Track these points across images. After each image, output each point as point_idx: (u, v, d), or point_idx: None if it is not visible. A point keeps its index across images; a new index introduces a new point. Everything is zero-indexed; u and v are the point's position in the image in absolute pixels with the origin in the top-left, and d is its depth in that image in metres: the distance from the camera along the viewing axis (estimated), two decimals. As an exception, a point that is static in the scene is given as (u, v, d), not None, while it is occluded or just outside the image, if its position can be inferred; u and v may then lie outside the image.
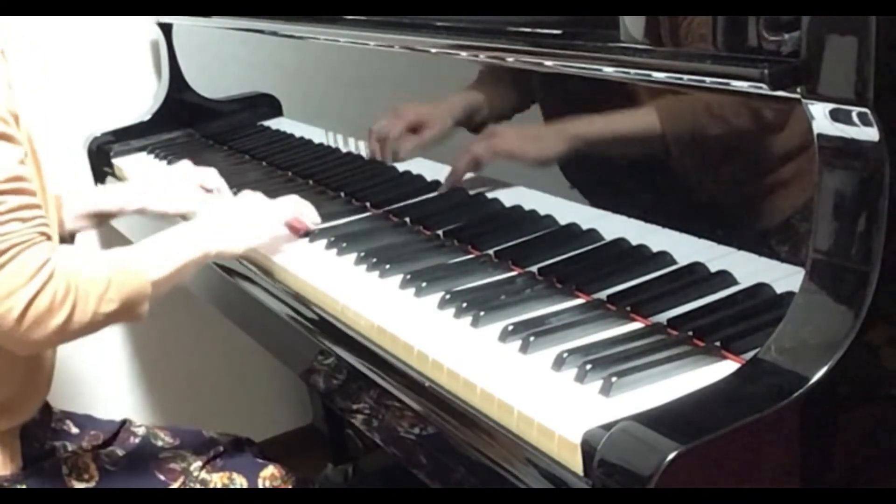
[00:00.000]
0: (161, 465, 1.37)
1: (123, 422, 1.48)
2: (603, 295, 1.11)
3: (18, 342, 1.13)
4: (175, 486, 1.34)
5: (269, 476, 1.40)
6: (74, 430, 1.43)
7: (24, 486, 1.27)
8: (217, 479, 1.38)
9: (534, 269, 1.21)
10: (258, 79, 1.92)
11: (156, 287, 1.21)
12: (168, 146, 2.08)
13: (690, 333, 0.99)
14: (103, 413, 1.53)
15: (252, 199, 1.40)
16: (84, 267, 1.15)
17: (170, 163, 1.94)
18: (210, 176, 1.56)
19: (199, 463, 1.39)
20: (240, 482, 1.38)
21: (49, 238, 1.16)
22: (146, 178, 1.64)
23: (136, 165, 2.01)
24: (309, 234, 1.43)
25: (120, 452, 1.39)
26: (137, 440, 1.45)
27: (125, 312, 1.18)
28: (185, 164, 1.59)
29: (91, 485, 1.30)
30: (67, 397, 1.55)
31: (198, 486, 1.36)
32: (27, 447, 1.30)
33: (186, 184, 1.55)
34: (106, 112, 2.12)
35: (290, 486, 1.42)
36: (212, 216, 1.35)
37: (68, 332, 1.14)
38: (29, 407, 1.31)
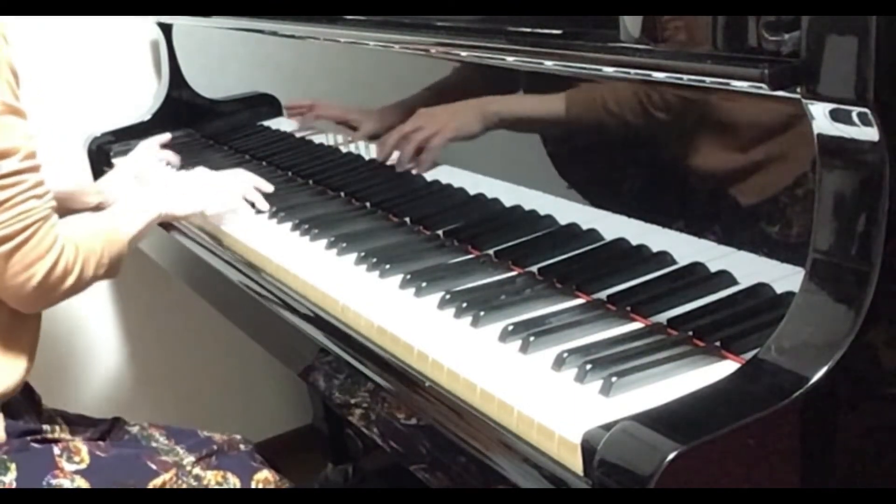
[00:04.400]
0: (153, 457, 1.37)
1: (116, 419, 1.48)
2: (603, 295, 1.11)
3: (31, 303, 1.30)
4: (167, 476, 1.33)
5: (263, 480, 1.40)
6: (66, 426, 1.42)
7: (13, 464, 1.26)
8: (211, 477, 1.38)
9: (534, 269, 1.21)
10: (258, 79, 1.92)
11: (129, 247, 1.42)
12: (168, 146, 2.08)
13: (690, 333, 0.99)
14: (99, 413, 1.52)
15: (199, 172, 1.63)
16: (81, 236, 1.33)
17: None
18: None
19: (192, 458, 1.39)
20: (233, 482, 1.38)
21: (56, 211, 1.30)
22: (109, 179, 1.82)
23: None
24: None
25: (112, 446, 1.39)
26: (129, 438, 1.45)
27: (112, 271, 1.38)
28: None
29: (81, 467, 1.30)
30: (61, 397, 1.54)
31: (191, 480, 1.36)
32: (11, 424, 1.30)
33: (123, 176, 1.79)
34: (106, 112, 2.12)
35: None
36: (162, 186, 1.58)
37: (70, 293, 1.32)
38: (9, 378, 1.31)
